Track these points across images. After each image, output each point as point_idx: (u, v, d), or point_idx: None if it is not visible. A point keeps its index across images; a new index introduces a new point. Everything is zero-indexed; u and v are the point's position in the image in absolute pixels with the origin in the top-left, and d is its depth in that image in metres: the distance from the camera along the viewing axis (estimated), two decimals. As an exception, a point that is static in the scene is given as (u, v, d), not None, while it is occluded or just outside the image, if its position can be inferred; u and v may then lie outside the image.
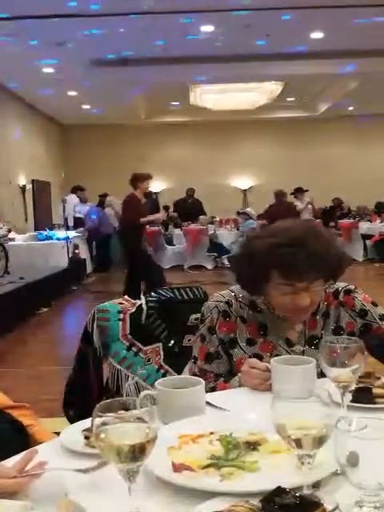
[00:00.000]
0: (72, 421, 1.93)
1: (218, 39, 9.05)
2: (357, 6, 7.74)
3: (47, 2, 7.21)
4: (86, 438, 1.18)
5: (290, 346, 1.76)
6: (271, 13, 7.94)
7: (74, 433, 1.23)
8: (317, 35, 9.27)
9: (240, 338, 1.77)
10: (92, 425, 0.88)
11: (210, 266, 11.25)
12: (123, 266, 8.14)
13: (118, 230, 8.48)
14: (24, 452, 1.09)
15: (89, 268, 10.77)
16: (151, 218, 7.71)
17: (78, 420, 1.33)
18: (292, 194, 11.85)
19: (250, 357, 1.72)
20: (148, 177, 7.39)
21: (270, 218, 11.97)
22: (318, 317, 1.78)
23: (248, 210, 13.40)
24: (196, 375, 1.65)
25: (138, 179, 7.25)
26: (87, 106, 14.05)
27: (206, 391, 1.48)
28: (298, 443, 0.90)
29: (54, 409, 2.04)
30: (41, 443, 1.29)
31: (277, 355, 1.72)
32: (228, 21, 8.25)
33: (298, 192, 12.04)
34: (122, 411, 0.90)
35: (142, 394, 1.30)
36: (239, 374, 1.64)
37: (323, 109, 15.28)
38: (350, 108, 15.22)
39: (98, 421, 0.87)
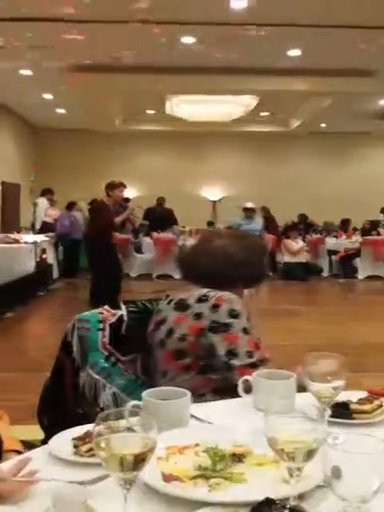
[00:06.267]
0: (46, 429, 1.93)
1: (197, 51, 9.13)
2: (335, 26, 7.93)
3: (27, 4, 7.18)
4: (75, 446, 1.19)
5: None
6: (251, 29, 8.08)
7: (62, 441, 1.24)
8: (294, 53, 9.45)
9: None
10: (93, 434, 0.90)
11: (177, 276, 11.25)
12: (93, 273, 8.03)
13: (85, 236, 8.51)
14: (17, 458, 1.10)
15: (55, 273, 10.62)
16: (124, 215, 8.14)
17: (52, 428, 1.34)
18: None
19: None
20: (121, 185, 7.57)
21: None
22: None
23: (251, 205, 10.71)
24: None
25: (112, 187, 7.35)
26: (62, 110, 13.96)
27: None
28: (290, 456, 0.94)
29: (19, 416, 2.02)
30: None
31: None
32: (208, 34, 8.35)
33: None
34: (121, 421, 0.93)
35: (129, 404, 1.32)
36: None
37: (295, 125, 15.53)
38: (323, 125, 15.50)
39: (98, 429, 0.89)
